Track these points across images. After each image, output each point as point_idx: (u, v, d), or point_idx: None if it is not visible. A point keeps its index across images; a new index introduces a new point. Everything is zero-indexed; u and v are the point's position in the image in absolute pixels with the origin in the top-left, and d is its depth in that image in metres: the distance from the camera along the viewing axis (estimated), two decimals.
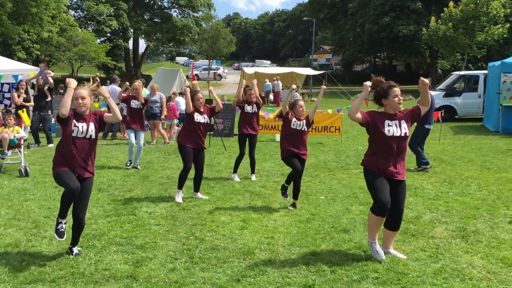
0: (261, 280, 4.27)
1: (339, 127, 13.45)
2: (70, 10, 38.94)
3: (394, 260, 4.70)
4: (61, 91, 12.87)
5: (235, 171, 8.60)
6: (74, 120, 4.65)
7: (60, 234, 4.69)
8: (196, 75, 39.86)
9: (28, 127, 11.28)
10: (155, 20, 45.70)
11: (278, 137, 14.14)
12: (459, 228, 5.70)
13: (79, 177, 4.65)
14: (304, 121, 6.65)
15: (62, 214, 4.67)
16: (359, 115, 4.65)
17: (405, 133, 4.67)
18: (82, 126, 4.67)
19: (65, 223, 4.74)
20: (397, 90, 4.65)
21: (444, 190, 7.61)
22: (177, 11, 47.77)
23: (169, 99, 14.04)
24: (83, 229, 4.90)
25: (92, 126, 4.74)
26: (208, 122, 7.16)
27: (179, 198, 6.96)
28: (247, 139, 8.51)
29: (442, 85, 20.16)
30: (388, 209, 4.60)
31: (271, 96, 30.04)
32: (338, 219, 6.10)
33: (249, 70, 33.96)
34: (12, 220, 6.01)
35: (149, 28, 43.28)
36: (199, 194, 7.21)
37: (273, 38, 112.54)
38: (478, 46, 28.64)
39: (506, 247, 5.03)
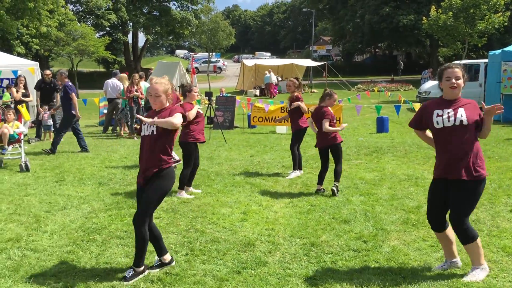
0: (261, 272, 4.27)
1: (340, 117, 13.41)
2: (68, 4, 38.74)
3: (395, 250, 4.69)
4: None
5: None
6: None
7: None
8: (196, 68, 39.71)
9: (28, 122, 11.29)
10: (154, 13, 45.57)
11: (278, 129, 14.12)
12: None
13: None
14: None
15: None
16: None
17: (461, 121, 3.89)
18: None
19: None
20: (450, 71, 3.97)
21: None
22: (176, 4, 47.68)
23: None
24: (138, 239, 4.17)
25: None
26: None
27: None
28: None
29: None
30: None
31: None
32: (338, 210, 6.09)
33: (249, 62, 33.84)
34: (13, 215, 6.01)
35: (148, 22, 43.17)
36: (191, 188, 7.19)
37: (273, 30, 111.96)
38: (478, 35, 28.47)
39: (507, 235, 5.02)
